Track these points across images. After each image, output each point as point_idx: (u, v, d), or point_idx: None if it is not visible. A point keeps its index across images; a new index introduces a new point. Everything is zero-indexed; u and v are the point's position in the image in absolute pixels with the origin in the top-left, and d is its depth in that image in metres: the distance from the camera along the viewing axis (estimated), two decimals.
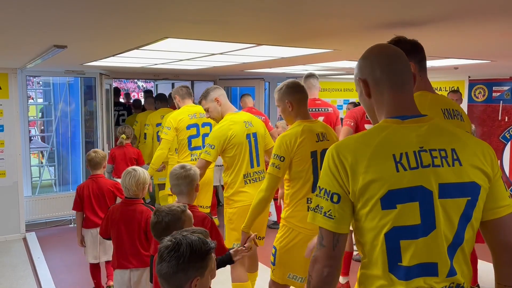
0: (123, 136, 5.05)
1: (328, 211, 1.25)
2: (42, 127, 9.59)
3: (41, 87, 8.58)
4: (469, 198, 1.23)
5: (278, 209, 4.18)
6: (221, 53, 3.52)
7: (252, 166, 3.24)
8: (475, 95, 6.54)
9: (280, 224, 2.72)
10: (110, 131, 5.92)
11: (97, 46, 3.22)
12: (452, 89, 6.66)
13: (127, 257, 2.82)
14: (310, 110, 3.71)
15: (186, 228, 1.67)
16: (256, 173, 3.26)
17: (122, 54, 3.56)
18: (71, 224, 5.90)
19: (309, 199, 2.58)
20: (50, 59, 3.72)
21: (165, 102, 6.04)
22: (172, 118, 4.28)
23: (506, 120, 6.19)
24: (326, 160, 1.29)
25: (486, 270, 4.24)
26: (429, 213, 1.21)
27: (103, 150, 5.45)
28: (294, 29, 2.39)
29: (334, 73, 6.35)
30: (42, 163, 8.33)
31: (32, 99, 9.31)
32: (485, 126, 6.00)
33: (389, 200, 1.21)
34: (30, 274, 4.33)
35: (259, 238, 3.15)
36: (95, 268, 3.80)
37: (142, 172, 2.89)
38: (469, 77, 6.56)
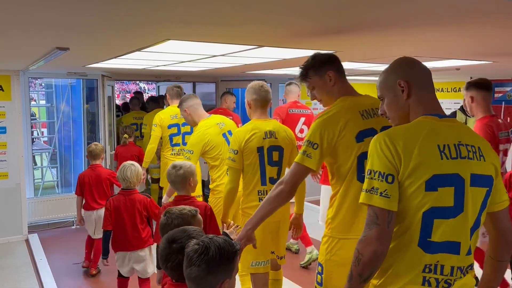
0: (126, 135, 5.48)
1: (384, 191, 1.40)
2: (44, 129, 9.62)
3: (44, 89, 8.61)
4: (488, 188, 1.49)
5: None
6: (222, 55, 3.53)
7: None
8: None
9: (241, 215, 3.04)
10: (113, 132, 5.93)
11: (99, 48, 3.23)
12: (454, 90, 6.66)
13: (129, 240, 3.26)
14: (292, 111, 4.56)
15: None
16: None
17: (124, 56, 3.57)
18: (73, 225, 5.91)
19: (260, 191, 2.89)
20: (52, 61, 3.73)
21: (157, 103, 6.57)
22: (157, 116, 4.84)
23: (508, 120, 6.18)
24: (376, 145, 1.45)
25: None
26: (460, 198, 1.42)
27: (105, 151, 5.46)
28: (296, 30, 2.39)
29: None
30: (42, 164, 8.35)
31: (35, 101, 9.34)
32: None
33: (433, 183, 1.40)
34: (33, 276, 4.34)
35: (279, 257, 3.08)
36: (90, 240, 4.42)
37: (138, 166, 3.40)
38: (471, 78, 6.54)
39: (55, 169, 7.88)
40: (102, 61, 4.07)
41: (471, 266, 1.51)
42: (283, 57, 3.75)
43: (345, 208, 2.00)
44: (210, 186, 3.66)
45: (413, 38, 2.67)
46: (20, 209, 5.40)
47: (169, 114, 4.82)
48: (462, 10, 1.87)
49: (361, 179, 1.95)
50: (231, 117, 5.13)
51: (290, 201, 2.29)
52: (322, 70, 2.16)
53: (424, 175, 1.40)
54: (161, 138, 4.85)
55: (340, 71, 2.20)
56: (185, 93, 4.80)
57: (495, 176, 1.51)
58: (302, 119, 4.55)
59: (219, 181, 3.57)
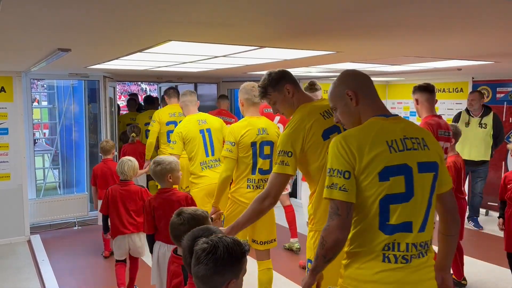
0: (133, 134, 5.78)
1: (342, 186, 1.62)
2: (46, 130, 9.64)
3: (46, 90, 8.63)
4: (434, 173, 1.72)
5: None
6: (224, 56, 3.53)
7: (207, 156, 3.97)
8: None
9: (229, 199, 3.35)
10: (114, 133, 5.94)
11: (101, 49, 3.24)
12: (456, 90, 6.65)
13: (125, 225, 3.60)
14: (267, 110, 4.67)
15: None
16: (212, 161, 3.99)
17: (126, 57, 3.58)
18: (75, 226, 5.92)
19: (249, 179, 3.25)
20: (54, 62, 3.74)
21: (152, 103, 7.02)
22: (156, 113, 5.26)
23: (511, 121, 6.16)
24: (334, 147, 1.67)
25: (473, 269, 4.24)
26: (410, 184, 1.65)
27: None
28: (297, 31, 2.39)
29: (337, 75, 6.34)
30: (44, 165, 8.37)
31: (38, 102, 9.36)
32: None
33: (385, 174, 1.62)
34: (35, 277, 4.34)
35: (269, 241, 3.31)
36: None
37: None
38: (473, 78, 6.54)
39: (57, 170, 7.90)
40: (104, 62, 4.08)
41: (426, 244, 1.70)
42: (284, 58, 3.75)
43: (324, 202, 2.08)
44: (190, 179, 4.06)
45: (415, 38, 2.66)
46: (22, 210, 5.41)
47: (167, 112, 5.22)
48: (464, 10, 1.87)
49: None
50: (233, 120, 5.37)
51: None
52: (280, 85, 2.41)
53: (377, 168, 1.62)
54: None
55: (295, 83, 2.44)
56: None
57: (440, 162, 1.75)
58: (277, 118, 4.84)
59: (196, 174, 3.97)
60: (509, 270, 3.84)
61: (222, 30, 2.32)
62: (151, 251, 3.08)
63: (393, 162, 1.64)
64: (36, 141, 8.24)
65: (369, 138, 1.65)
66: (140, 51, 3.16)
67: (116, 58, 3.72)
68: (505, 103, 6.21)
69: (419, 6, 1.78)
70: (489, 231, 5.74)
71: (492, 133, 5.58)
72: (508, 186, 3.64)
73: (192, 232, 1.80)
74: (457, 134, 3.80)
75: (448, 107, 6.22)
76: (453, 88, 6.81)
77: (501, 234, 5.38)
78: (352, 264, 1.71)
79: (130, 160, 3.69)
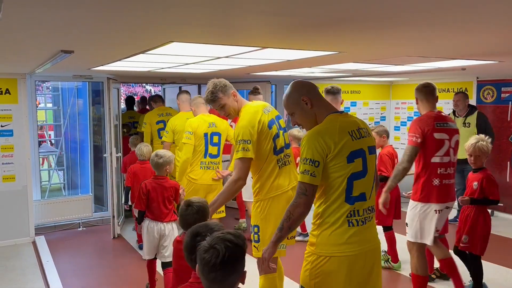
0: (124, 130, 6.36)
1: (312, 172, 2.04)
2: (51, 132, 9.69)
3: (50, 92, 8.68)
4: (375, 154, 2.26)
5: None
6: (226, 57, 3.54)
7: (205, 157, 4.45)
8: (483, 96, 6.48)
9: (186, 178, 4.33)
10: (118, 135, 5.96)
11: (104, 51, 3.25)
12: (460, 90, 6.62)
13: (160, 215, 3.73)
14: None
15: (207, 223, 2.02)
16: (211, 163, 4.45)
17: (129, 59, 3.59)
18: (79, 227, 5.95)
19: (202, 161, 4.35)
20: (58, 64, 3.76)
21: (162, 102, 6.94)
22: (146, 116, 5.89)
23: None
24: (311, 141, 2.07)
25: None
26: (365, 164, 2.13)
27: (111, 153, 5.49)
28: (299, 32, 2.39)
29: (341, 75, 6.34)
30: (49, 167, 8.41)
31: (38, 103, 9.40)
32: (494, 127, 5.93)
33: (351, 158, 2.08)
34: (39, 278, 4.36)
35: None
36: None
37: (150, 147, 4.91)
38: (477, 78, 6.50)
39: (62, 171, 7.94)
40: (107, 63, 4.10)
41: (373, 208, 2.21)
42: (287, 59, 3.75)
43: (270, 180, 2.93)
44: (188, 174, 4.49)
45: (418, 38, 2.65)
46: (27, 211, 5.44)
47: (156, 113, 5.92)
48: (467, 9, 1.86)
49: (275, 153, 2.97)
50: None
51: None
52: (229, 90, 3.07)
53: (346, 153, 2.06)
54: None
55: (234, 89, 3.12)
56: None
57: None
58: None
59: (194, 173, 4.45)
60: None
61: (224, 31, 2.32)
62: (139, 223, 3.77)
63: (355, 147, 2.10)
64: (41, 142, 8.28)
65: (336, 131, 2.08)
66: (142, 52, 3.16)
67: (119, 60, 3.73)
68: (510, 102, 6.17)
69: (423, 4, 1.78)
70: (495, 232, 5.70)
71: (476, 131, 5.61)
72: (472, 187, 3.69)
73: (192, 229, 1.92)
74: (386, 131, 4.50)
75: (452, 106, 6.18)
76: (457, 88, 6.78)
77: (507, 234, 5.35)
78: (323, 233, 2.11)
79: (147, 146, 4.94)
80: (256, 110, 2.99)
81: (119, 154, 5.86)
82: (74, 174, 7.35)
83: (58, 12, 1.85)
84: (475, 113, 5.75)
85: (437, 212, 3.38)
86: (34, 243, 5.39)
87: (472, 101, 6.40)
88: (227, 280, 1.51)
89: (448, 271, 3.75)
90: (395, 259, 4.42)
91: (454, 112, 5.97)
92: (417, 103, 3.61)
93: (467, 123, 5.74)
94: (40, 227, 5.71)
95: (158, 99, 6.31)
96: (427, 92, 3.56)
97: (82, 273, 4.54)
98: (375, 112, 8.04)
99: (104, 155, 5.92)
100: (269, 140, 2.92)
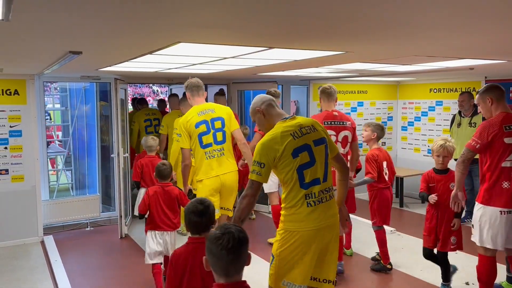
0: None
1: (259, 172, 2.55)
2: (59, 132, 9.75)
3: (58, 93, 8.73)
4: (325, 144, 2.70)
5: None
6: (233, 57, 3.54)
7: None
8: None
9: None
10: (125, 135, 5.99)
11: (111, 51, 3.26)
12: (468, 89, 6.57)
13: (165, 222, 3.84)
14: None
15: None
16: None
17: (136, 59, 3.60)
18: (87, 227, 5.98)
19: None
20: (66, 65, 3.79)
21: (146, 104, 8.06)
22: (135, 116, 6.99)
23: None
24: (260, 147, 2.59)
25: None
26: (312, 155, 2.61)
27: (118, 154, 5.52)
28: (305, 32, 2.39)
29: (347, 75, 6.32)
30: (57, 167, 8.45)
31: (51, 104, 9.46)
32: None
33: (295, 153, 2.57)
34: (48, 277, 4.40)
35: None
36: None
37: (157, 139, 5.26)
38: (485, 77, 6.45)
39: (70, 171, 7.98)
40: (115, 64, 4.12)
41: (329, 189, 2.66)
42: (294, 59, 3.74)
43: (196, 164, 4.07)
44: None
45: (426, 37, 2.64)
46: (35, 211, 5.48)
47: (144, 113, 7.02)
48: (476, 8, 1.85)
49: (202, 147, 3.97)
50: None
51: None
52: (191, 92, 4.21)
53: (289, 151, 2.57)
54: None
55: (195, 91, 4.18)
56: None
57: (326, 137, 2.74)
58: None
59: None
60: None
61: (231, 31, 2.33)
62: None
63: (298, 144, 2.58)
64: (49, 143, 8.34)
65: (279, 137, 2.59)
66: (150, 53, 3.18)
67: (127, 60, 3.75)
68: None
69: (431, 3, 1.77)
70: None
71: None
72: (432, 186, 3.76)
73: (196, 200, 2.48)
74: (381, 131, 4.46)
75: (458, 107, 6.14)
76: (465, 88, 6.73)
77: None
78: (288, 214, 2.61)
79: (153, 138, 5.20)
80: (190, 112, 4.07)
81: (127, 154, 5.89)
82: (82, 174, 7.39)
83: (67, 14, 1.87)
84: (481, 113, 5.68)
85: None
86: (42, 242, 5.43)
87: None
88: (241, 259, 1.74)
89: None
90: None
91: (460, 112, 5.92)
92: (491, 104, 3.54)
93: (473, 123, 5.71)
94: (49, 227, 5.75)
95: (144, 101, 7.59)
96: (323, 92, 4.28)
97: (90, 272, 4.57)
98: (382, 112, 8.01)
99: (112, 155, 5.95)
100: (194, 136, 3.96)
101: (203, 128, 3.96)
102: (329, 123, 4.09)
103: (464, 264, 4.51)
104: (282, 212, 2.64)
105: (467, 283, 4.09)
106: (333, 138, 3.99)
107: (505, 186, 3.32)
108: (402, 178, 7.09)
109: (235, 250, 1.71)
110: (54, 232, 5.74)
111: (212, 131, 3.99)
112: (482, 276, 3.51)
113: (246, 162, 4.49)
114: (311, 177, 2.57)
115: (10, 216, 5.33)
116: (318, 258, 2.57)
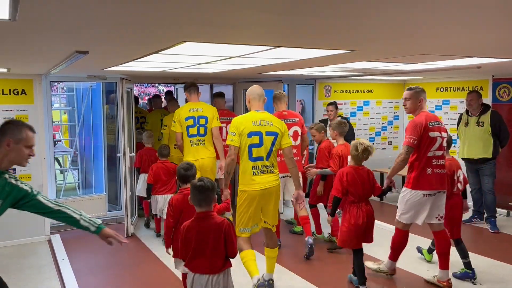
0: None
1: (232, 139, 3.66)
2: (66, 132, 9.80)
3: (65, 93, 8.78)
4: (274, 137, 3.73)
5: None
6: (239, 56, 3.54)
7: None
8: (499, 94, 6.38)
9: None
10: (132, 135, 6.01)
11: (117, 51, 3.28)
12: (475, 88, 6.53)
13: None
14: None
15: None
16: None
17: (142, 59, 3.61)
18: None
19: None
20: (72, 65, 3.81)
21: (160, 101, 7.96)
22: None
23: None
24: (233, 124, 3.72)
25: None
26: (262, 140, 3.68)
27: (124, 153, 5.54)
28: (311, 31, 2.38)
29: (353, 74, 6.30)
30: (64, 166, 8.49)
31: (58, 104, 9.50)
32: (510, 126, 5.84)
33: (250, 135, 3.66)
34: (55, 276, 4.42)
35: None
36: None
37: (152, 132, 6.18)
38: (493, 76, 6.41)
39: (77, 171, 8.03)
40: (121, 64, 4.13)
41: (272, 165, 3.73)
42: (299, 58, 3.74)
43: (184, 149, 5.21)
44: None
45: (433, 35, 2.62)
46: None
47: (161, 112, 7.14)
48: (483, 5, 1.83)
49: (188, 136, 5.13)
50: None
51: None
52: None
53: (246, 132, 3.65)
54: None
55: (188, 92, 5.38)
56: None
57: (279, 132, 3.74)
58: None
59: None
60: None
61: (237, 31, 2.33)
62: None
63: (254, 130, 3.67)
64: (56, 142, 8.38)
65: (245, 120, 3.72)
66: (156, 52, 3.19)
67: (133, 60, 3.76)
68: None
69: (438, 2, 1.75)
70: (509, 232, 5.62)
71: (490, 130, 5.53)
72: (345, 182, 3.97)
73: (183, 166, 3.57)
74: (340, 127, 4.97)
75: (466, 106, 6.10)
76: (473, 87, 6.69)
77: None
78: (242, 178, 3.70)
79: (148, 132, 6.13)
80: (183, 106, 5.33)
81: (133, 154, 5.91)
82: (89, 173, 7.43)
83: (73, 13, 1.87)
84: (489, 112, 5.63)
85: None
86: (49, 241, 5.46)
87: (488, 100, 6.31)
88: (209, 197, 2.72)
89: None
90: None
91: (467, 111, 5.86)
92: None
93: (481, 122, 5.64)
94: (55, 226, 5.77)
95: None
96: (274, 97, 5.08)
97: (97, 271, 4.59)
98: (388, 111, 7.98)
99: (118, 154, 5.97)
100: (183, 127, 5.11)
101: (190, 122, 5.15)
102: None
103: (472, 264, 4.48)
104: (239, 177, 3.76)
105: (473, 283, 4.07)
106: None
107: (429, 172, 3.87)
108: None
109: (204, 191, 2.70)
110: (61, 231, 5.77)
111: (197, 125, 5.16)
112: (395, 245, 4.13)
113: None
114: (257, 154, 3.68)
115: (18, 215, 5.31)
116: (262, 210, 3.72)
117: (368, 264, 4.28)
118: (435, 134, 3.87)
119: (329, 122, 6.05)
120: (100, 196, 6.20)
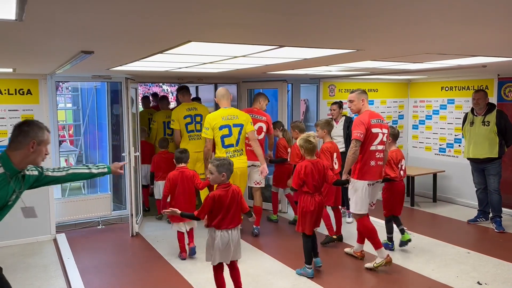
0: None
1: (206, 133, 5.00)
2: (71, 131, 9.85)
3: (70, 92, 8.82)
4: (240, 128, 5.07)
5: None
6: (243, 56, 3.54)
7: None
8: (504, 93, 6.35)
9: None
10: (136, 134, 6.03)
11: (123, 51, 3.29)
12: (481, 87, 6.50)
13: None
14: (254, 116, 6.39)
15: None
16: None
17: (147, 59, 3.62)
18: (99, 225, 6.04)
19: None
20: (78, 65, 3.82)
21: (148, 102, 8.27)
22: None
23: None
24: (206, 119, 5.08)
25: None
26: (230, 131, 5.01)
27: (129, 153, 5.56)
28: (316, 30, 2.38)
29: (358, 74, 6.29)
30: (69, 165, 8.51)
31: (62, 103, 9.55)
32: None
33: (220, 128, 4.97)
34: (60, 275, 4.45)
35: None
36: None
37: (146, 129, 6.90)
38: (498, 75, 6.38)
39: None
40: (126, 63, 4.15)
41: (241, 150, 5.07)
42: (304, 57, 3.73)
43: (183, 142, 5.94)
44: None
45: (437, 34, 2.62)
46: (48, 209, 5.55)
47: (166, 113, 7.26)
48: (489, 3, 1.82)
49: (187, 132, 5.95)
50: (265, 118, 5.91)
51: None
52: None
53: (218, 126, 4.94)
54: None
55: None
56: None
57: (244, 123, 5.05)
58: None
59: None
60: None
61: (242, 30, 2.33)
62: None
63: (223, 123, 4.88)
64: (61, 142, 8.42)
65: (216, 116, 4.93)
66: (161, 52, 3.19)
67: (138, 60, 3.77)
68: None
69: (443, 1, 1.75)
70: (510, 231, 5.61)
71: (496, 129, 5.50)
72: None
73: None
74: (328, 125, 5.27)
75: (471, 104, 6.07)
76: (478, 86, 6.66)
77: None
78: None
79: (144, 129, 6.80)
80: (181, 106, 5.98)
81: (138, 153, 5.93)
82: None
83: (79, 13, 1.88)
84: (494, 111, 5.62)
85: None
86: (55, 240, 5.49)
87: (493, 99, 6.28)
88: (225, 167, 3.57)
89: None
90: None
91: (472, 110, 5.84)
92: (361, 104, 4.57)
93: (486, 121, 5.62)
94: (61, 225, 5.81)
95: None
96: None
97: (102, 270, 4.61)
98: (393, 110, 7.96)
99: (123, 154, 5.99)
100: (183, 124, 5.80)
101: (188, 120, 5.83)
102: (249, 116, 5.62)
103: (476, 264, 4.46)
104: None
105: (478, 283, 4.05)
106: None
107: (372, 164, 4.37)
108: (413, 177, 7.04)
109: (226, 165, 3.55)
110: (67, 230, 5.81)
111: (194, 122, 5.86)
112: (365, 233, 4.48)
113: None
114: (228, 143, 4.94)
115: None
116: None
117: (367, 265, 4.48)
118: (377, 130, 4.38)
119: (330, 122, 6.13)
120: (105, 195, 6.22)
